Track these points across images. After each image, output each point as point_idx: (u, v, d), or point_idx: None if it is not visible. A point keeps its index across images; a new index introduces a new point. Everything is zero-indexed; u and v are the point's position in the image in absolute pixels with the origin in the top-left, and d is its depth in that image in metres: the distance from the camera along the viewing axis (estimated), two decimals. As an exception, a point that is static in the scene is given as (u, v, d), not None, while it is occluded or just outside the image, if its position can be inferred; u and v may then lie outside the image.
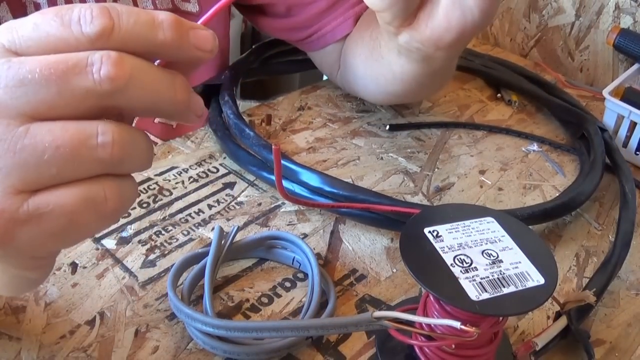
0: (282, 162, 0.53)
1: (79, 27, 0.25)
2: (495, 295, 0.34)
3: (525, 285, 0.35)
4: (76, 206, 0.26)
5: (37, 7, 0.53)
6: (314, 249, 0.49)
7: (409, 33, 0.45)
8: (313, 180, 0.52)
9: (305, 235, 0.51)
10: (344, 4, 0.63)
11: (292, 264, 0.47)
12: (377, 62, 0.55)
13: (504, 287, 0.34)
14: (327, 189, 0.51)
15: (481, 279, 0.34)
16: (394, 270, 0.49)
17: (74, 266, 0.45)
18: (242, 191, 0.55)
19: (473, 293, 0.34)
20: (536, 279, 0.35)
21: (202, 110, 0.29)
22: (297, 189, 0.53)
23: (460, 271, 0.35)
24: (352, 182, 0.57)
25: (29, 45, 0.26)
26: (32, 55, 0.26)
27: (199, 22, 0.30)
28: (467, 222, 0.39)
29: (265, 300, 0.45)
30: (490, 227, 0.39)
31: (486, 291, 0.34)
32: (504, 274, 0.35)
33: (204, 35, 0.28)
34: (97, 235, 0.48)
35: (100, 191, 0.26)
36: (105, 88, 0.25)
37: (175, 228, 0.50)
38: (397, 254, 0.50)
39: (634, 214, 0.54)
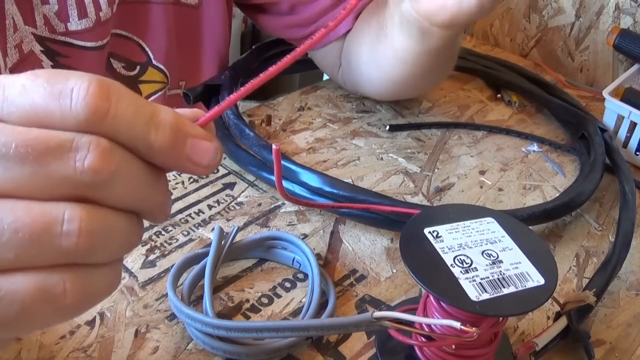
0: (282, 162, 0.53)
1: (69, 101, 0.22)
2: (495, 295, 0.34)
3: (525, 286, 0.35)
4: (29, 296, 0.23)
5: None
6: (314, 249, 0.49)
7: (410, 1, 0.48)
8: (313, 180, 0.52)
9: (305, 236, 0.51)
10: (345, 2, 0.64)
11: (292, 264, 0.47)
12: (382, 43, 0.57)
13: (504, 287, 0.34)
14: (327, 189, 0.51)
15: (481, 279, 0.34)
16: (394, 271, 0.49)
17: (74, 266, 0.45)
18: (242, 191, 0.55)
19: (473, 293, 0.34)
20: (536, 279, 0.35)
21: (170, 210, 0.27)
22: (297, 189, 0.53)
23: (460, 271, 0.35)
24: (352, 183, 0.57)
25: (11, 111, 0.23)
26: (13, 123, 0.22)
27: (199, 121, 0.26)
28: (467, 223, 0.39)
29: (265, 300, 0.45)
30: (490, 227, 0.39)
31: (486, 291, 0.34)
32: (504, 274, 0.35)
33: (204, 148, 0.25)
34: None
35: (60, 283, 0.23)
36: (86, 180, 0.22)
37: (175, 228, 0.50)
38: (397, 254, 0.50)
39: (634, 214, 0.54)
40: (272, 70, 0.27)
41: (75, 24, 0.55)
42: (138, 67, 0.64)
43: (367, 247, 0.51)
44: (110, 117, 0.23)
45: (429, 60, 0.55)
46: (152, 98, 0.65)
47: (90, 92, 0.22)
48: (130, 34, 0.62)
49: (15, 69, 0.53)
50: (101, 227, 0.23)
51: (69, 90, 0.22)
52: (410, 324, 0.36)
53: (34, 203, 0.23)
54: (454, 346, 0.37)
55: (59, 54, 0.56)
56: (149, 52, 0.63)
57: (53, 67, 0.56)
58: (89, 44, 0.57)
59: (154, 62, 0.64)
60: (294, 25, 0.66)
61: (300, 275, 0.47)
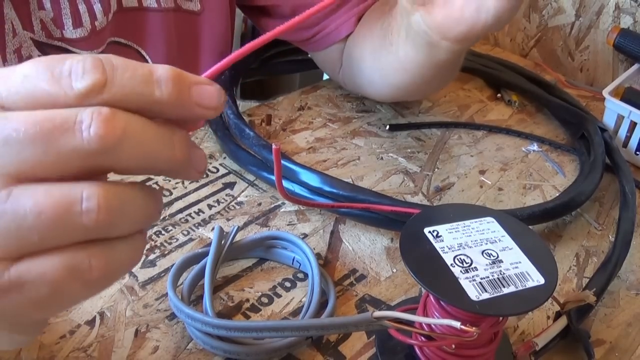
0: (282, 162, 0.53)
1: (69, 81, 0.24)
2: (495, 295, 0.34)
3: (525, 285, 0.35)
4: (58, 276, 0.24)
5: (40, 4, 0.53)
6: (314, 249, 0.49)
7: (421, 14, 0.46)
8: (313, 180, 0.52)
9: (305, 235, 0.51)
10: (347, 4, 0.63)
11: (292, 264, 0.47)
12: (386, 49, 0.56)
13: (504, 287, 0.34)
14: (327, 189, 0.51)
15: (481, 279, 0.34)
16: (394, 270, 0.49)
17: (74, 266, 0.45)
18: (242, 191, 0.55)
19: (473, 293, 0.34)
20: (536, 279, 0.35)
21: (205, 165, 0.27)
22: (297, 189, 0.53)
23: (460, 271, 0.35)
24: (352, 182, 0.57)
25: (16, 99, 0.24)
26: (19, 110, 0.24)
27: (204, 75, 0.27)
28: (467, 222, 0.39)
29: (265, 300, 0.45)
30: (490, 227, 0.39)
31: (486, 291, 0.34)
32: (504, 274, 0.35)
33: (208, 91, 0.26)
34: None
35: (85, 259, 0.24)
36: (95, 147, 0.23)
37: (175, 228, 0.50)
38: (397, 254, 0.50)
39: (634, 214, 0.54)
40: (265, 37, 0.28)
41: (70, 32, 0.55)
42: None
43: (367, 246, 0.51)
44: (108, 87, 0.24)
45: (434, 71, 0.54)
46: None
47: (87, 68, 0.24)
48: (128, 41, 0.61)
49: None
50: (119, 202, 0.24)
51: (67, 72, 0.24)
52: (410, 323, 0.36)
53: (52, 185, 0.23)
54: (453, 346, 0.37)
55: None
56: (148, 60, 0.63)
57: None
58: (84, 53, 0.57)
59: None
60: (295, 28, 0.66)
61: (300, 275, 0.47)
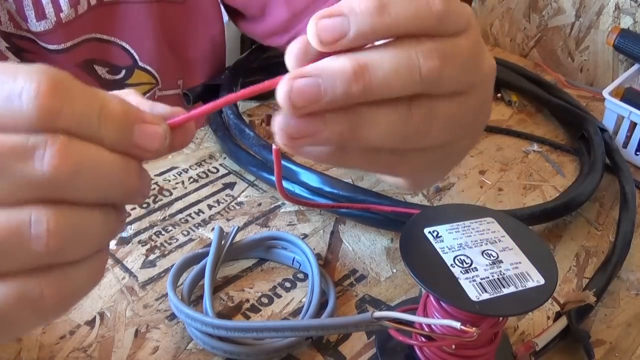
0: (282, 162, 0.53)
1: (19, 103, 0.22)
2: (496, 295, 0.34)
3: (525, 286, 0.34)
4: (6, 304, 0.23)
5: (38, 5, 0.53)
6: (314, 249, 0.49)
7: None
8: (313, 180, 0.52)
9: (305, 236, 0.51)
10: (320, 5, 0.60)
11: (292, 264, 0.47)
12: None
13: (504, 287, 0.34)
14: (328, 189, 0.51)
15: (481, 279, 0.34)
16: (394, 271, 0.49)
17: (74, 266, 0.45)
18: (242, 191, 0.55)
19: (473, 293, 0.34)
20: (536, 279, 0.35)
21: (149, 189, 0.26)
22: (297, 189, 0.53)
23: (460, 271, 0.35)
24: (352, 182, 0.56)
25: None
26: None
27: (171, 121, 0.26)
28: (467, 223, 0.39)
29: (265, 300, 0.45)
30: (490, 227, 0.39)
31: (486, 291, 0.34)
32: (504, 274, 0.35)
33: (151, 132, 0.25)
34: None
35: (36, 287, 0.23)
36: (47, 178, 0.22)
37: (175, 228, 0.50)
38: (397, 254, 0.50)
39: (634, 214, 0.55)
40: (232, 97, 0.28)
41: (34, 25, 0.53)
42: (123, 71, 0.62)
43: (367, 247, 0.51)
44: (62, 114, 0.22)
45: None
46: None
47: (41, 91, 0.22)
48: (111, 37, 0.60)
49: None
50: (70, 225, 0.23)
51: (18, 92, 0.22)
52: (410, 324, 0.36)
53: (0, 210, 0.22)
54: (454, 346, 0.37)
55: (24, 49, 0.55)
56: (134, 54, 0.62)
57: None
58: (51, 47, 0.56)
59: (140, 63, 0.63)
60: (270, 33, 0.65)
61: (300, 275, 0.47)
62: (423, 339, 0.38)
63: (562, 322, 0.42)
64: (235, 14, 0.67)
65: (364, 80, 0.26)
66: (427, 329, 0.37)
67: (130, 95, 0.27)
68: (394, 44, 0.27)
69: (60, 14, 0.54)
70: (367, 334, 0.43)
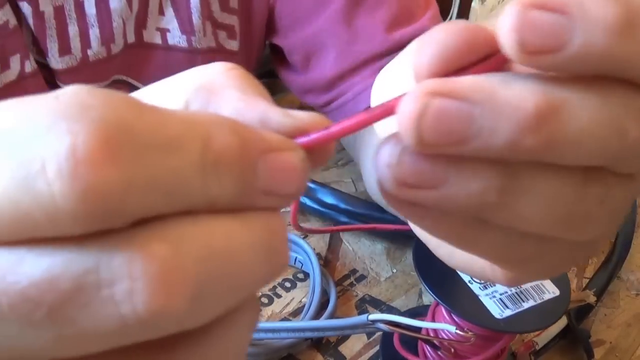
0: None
1: (44, 187, 0.12)
2: (517, 311, 0.34)
3: (542, 298, 0.34)
4: None
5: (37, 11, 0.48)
6: (314, 249, 0.49)
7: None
8: (329, 198, 0.51)
9: (305, 236, 0.51)
10: (370, 66, 0.51)
11: (294, 264, 0.47)
12: None
13: (524, 301, 0.34)
14: (343, 206, 0.50)
15: (500, 294, 0.34)
16: (394, 271, 0.49)
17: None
18: (242, 191, 0.55)
19: (496, 311, 0.33)
20: (551, 290, 0.35)
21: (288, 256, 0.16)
22: (309, 201, 0.52)
23: (479, 288, 0.35)
24: (352, 182, 0.57)
25: None
26: None
27: (300, 140, 0.16)
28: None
29: (265, 300, 0.45)
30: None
31: (508, 307, 0.34)
32: (521, 288, 0.35)
33: (282, 166, 0.15)
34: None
35: None
36: (141, 321, 0.13)
37: (175, 228, 0.50)
38: (397, 254, 0.50)
39: (634, 214, 0.54)
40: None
41: (54, 61, 0.43)
42: None
43: (367, 247, 0.51)
44: (130, 189, 0.12)
45: None
46: None
47: (79, 159, 0.12)
48: (142, 83, 0.50)
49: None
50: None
51: (39, 166, 0.12)
52: (406, 326, 0.36)
53: None
54: (452, 349, 0.36)
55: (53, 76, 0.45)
56: None
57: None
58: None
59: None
60: (308, 89, 0.56)
61: (300, 275, 0.47)
62: (428, 347, 0.38)
63: (562, 321, 0.42)
64: (278, 59, 0.59)
65: (547, 130, 0.15)
66: (424, 333, 0.37)
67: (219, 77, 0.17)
68: (602, 85, 0.16)
69: (88, 51, 0.44)
70: (367, 334, 0.43)
